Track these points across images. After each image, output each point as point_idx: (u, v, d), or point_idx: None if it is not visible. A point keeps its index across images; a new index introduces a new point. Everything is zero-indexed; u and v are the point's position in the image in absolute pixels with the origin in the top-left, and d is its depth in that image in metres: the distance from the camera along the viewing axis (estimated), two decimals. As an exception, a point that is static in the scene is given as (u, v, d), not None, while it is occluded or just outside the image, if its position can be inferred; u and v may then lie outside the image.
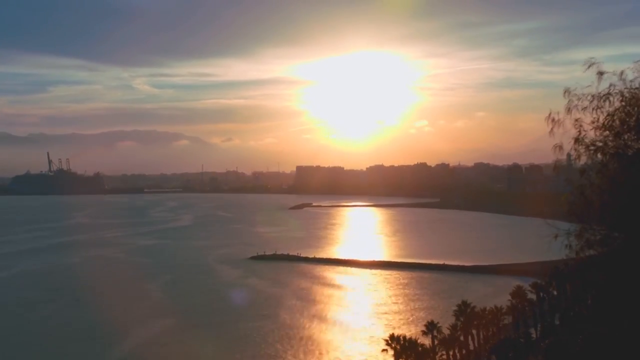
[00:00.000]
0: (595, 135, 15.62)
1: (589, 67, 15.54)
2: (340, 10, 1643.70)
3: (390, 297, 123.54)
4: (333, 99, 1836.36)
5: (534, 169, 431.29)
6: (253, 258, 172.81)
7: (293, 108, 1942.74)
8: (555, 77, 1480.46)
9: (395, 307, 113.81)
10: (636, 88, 15.32)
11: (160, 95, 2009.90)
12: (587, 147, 15.63)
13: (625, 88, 15.40)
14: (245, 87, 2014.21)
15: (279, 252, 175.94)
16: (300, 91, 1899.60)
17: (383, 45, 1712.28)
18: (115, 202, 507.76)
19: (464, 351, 77.09)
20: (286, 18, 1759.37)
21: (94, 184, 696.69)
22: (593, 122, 15.61)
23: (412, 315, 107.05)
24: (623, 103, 15.35)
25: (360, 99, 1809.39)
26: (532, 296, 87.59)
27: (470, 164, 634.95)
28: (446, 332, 75.33)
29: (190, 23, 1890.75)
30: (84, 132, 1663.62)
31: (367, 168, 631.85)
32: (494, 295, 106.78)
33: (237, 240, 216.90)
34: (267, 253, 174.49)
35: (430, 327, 75.40)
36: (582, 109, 15.62)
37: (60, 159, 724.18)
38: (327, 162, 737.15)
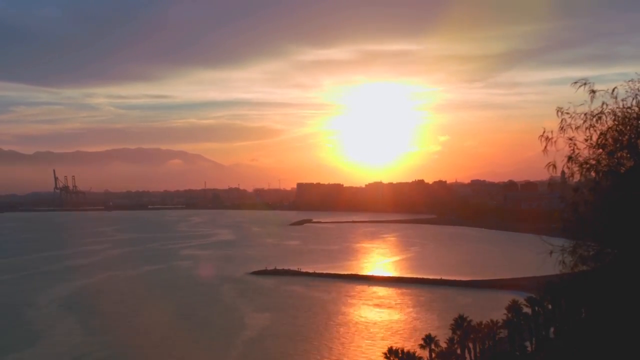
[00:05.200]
0: (589, 153, 15.76)
1: (580, 86, 15.70)
2: (272, 30, 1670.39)
3: (387, 310, 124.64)
4: (311, 118, 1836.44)
5: (529, 186, 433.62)
6: (254, 273, 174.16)
7: (271, 127, 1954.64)
8: (507, 99, 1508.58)
9: (392, 321, 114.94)
10: (628, 107, 15.50)
11: (127, 115, 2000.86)
12: (581, 165, 15.74)
13: (617, 107, 15.53)
14: (208, 108, 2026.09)
15: (279, 267, 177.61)
16: (271, 112, 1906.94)
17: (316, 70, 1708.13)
18: (138, 217, 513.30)
19: (460, 364, 78.26)
20: (220, 40, 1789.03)
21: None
22: (586, 140, 15.74)
23: (409, 328, 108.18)
24: (616, 122, 15.52)
25: (330, 117, 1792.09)
26: (527, 310, 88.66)
27: (467, 181, 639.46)
28: (443, 345, 76.67)
29: (131, 48, 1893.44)
30: (88, 150, 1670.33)
31: (365, 185, 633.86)
32: (490, 309, 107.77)
33: (279, 252, 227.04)
34: (268, 268, 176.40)
35: (428, 341, 76.75)
36: (575, 128, 15.73)
37: (65, 176, 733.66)
38: (321, 179, 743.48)
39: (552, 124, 16.55)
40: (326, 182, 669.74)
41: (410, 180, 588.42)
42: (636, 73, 15.72)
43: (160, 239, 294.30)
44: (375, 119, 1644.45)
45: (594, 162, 15.80)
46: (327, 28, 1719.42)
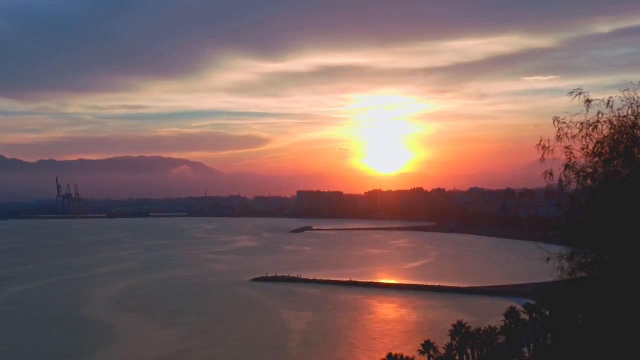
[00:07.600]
0: (586, 162, 16.00)
1: (576, 96, 16.01)
2: (228, 44, 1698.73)
3: (386, 317, 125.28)
4: (297, 127, 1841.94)
5: (527, 193, 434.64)
6: (255, 280, 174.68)
7: (258, 136, 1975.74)
8: (482, 109, 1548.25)
9: (391, 327, 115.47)
10: (624, 116, 15.78)
11: (109, 124, 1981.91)
12: (578, 173, 15.99)
13: (613, 116, 15.75)
14: (187, 118, 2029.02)
15: (279, 274, 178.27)
16: (252, 121, 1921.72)
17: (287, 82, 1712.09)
18: (147, 225, 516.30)
19: (459, 370, 78.83)
20: (179, 52, 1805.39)
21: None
22: (583, 149, 15.95)
23: (408, 334, 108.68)
24: (612, 131, 15.80)
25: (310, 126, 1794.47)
26: (525, 317, 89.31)
27: (465, 188, 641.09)
28: (442, 351, 77.31)
29: (98, 60, 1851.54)
30: (91, 158, 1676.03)
31: (365, 193, 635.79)
32: (488, 316, 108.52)
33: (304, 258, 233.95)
34: (269, 275, 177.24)
35: (427, 347, 77.38)
36: (571, 137, 16.03)
37: (68, 184, 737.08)
38: (321, 187, 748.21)
39: (530, 131, 16.96)
40: (326, 190, 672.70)
41: (408, 188, 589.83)
42: (631, 82, 16.19)
43: (182, 245, 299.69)
44: (364, 127, 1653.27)
45: (590, 171, 16.08)
46: (277, 44, 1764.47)
